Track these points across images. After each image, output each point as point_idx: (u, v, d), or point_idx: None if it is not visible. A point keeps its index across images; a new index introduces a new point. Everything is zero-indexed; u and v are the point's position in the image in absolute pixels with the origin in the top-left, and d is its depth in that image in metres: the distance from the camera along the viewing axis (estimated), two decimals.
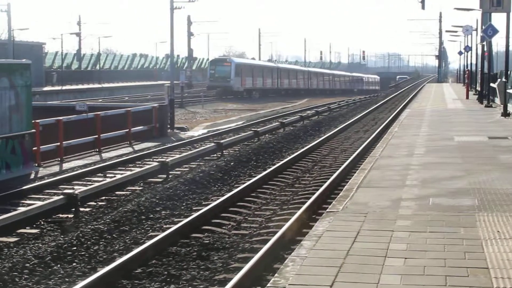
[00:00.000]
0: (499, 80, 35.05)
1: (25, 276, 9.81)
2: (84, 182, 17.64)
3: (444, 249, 8.00)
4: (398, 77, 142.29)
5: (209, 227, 12.51)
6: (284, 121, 34.72)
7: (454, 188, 11.80)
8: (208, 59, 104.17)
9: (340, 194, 11.59)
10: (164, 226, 12.81)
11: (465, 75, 60.28)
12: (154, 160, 21.39)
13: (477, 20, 53.15)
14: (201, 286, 9.42)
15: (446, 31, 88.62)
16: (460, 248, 8.03)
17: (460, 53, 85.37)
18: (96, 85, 79.43)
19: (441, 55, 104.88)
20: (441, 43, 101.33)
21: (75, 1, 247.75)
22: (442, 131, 22.00)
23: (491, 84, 37.69)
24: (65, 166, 20.63)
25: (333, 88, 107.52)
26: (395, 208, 10.28)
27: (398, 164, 14.86)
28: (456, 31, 78.26)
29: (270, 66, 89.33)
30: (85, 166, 20.54)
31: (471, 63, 67.24)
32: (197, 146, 25.46)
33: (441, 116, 28.86)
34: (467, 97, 44.74)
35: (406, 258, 7.66)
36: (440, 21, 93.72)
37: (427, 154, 16.40)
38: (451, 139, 19.53)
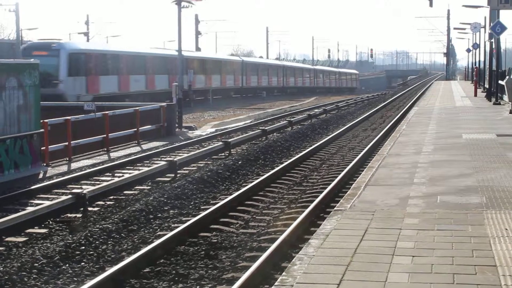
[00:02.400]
0: (507, 77, 34.89)
1: (34, 276, 9.85)
2: (93, 182, 17.68)
3: (452, 247, 7.99)
4: (409, 77, 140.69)
5: (217, 226, 12.52)
6: (292, 119, 34.73)
7: (462, 186, 11.77)
8: None
9: (348, 192, 11.58)
10: (172, 225, 12.83)
11: (473, 73, 60.17)
12: (162, 159, 21.40)
13: (485, 17, 53.00)
14: (209, 285, 9.43)
15: (454, 28, 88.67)
16: (468, 246, 8.02)
17: (468, 50, 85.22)
18: None
19: (449, 53, 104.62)
20: (449, 40, 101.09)
21: (83, 0, 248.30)
22: (450, 129, 21.96)
23: (500, 82, 37.57)
24: (74, 165, 20.68)
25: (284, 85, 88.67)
26: (403, 206, 10.26)
27: (406, 162, 14.83)
28: (464, 29, 78.23)
29: (205, 59, 63.69)
30: (93, 165, 20.58)
31: (479, 61, 67.02)
32: (205, 145, 25.48)
33: (449, 114, 28.79)
34: (475, 95, 44.63)
35: (413, 256, 7.65)
36: (448, 18, 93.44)
37: (435, 152, 16.37)
38: (459, 137, 19.49)
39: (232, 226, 12.68)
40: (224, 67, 69.93)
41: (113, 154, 23.36)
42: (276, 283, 6.99)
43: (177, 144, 25.51)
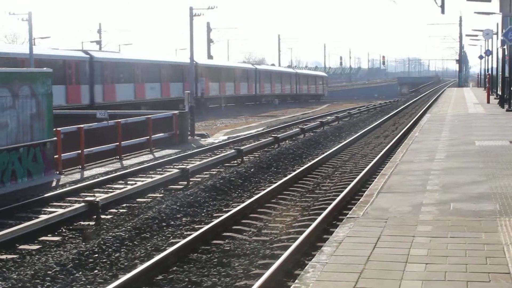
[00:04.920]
0: None
1: (47, 284, 9.87)
2: (105, 190, 17.72)
3: (465, 254, 7.96)
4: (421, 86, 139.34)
5: (230, 234, 12.52)
6: (304, 127, 34.72)
7: (476, 193, 11.74)
8: None
9: (361, 200, 11.56)
10: (185, 233, 12.84)
11: (486, 79, 59.97)
12: (175, 167, 21.45)
13: (497, 24, 52.87)
14: None
15: (466, 35, 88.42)
16: (481, 253, 7.99)
17: (480, 57, 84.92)
18: None
19: (462, 60, 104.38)
20: (461, 47, 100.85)
21: (95, 9, 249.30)
22: (463, 136, 21.89)
23: None
24: (86, 173, 20.74)
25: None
26: (416, 213, 10.24)
27: (419, 169, 14.80)
28: (476, 35, 77.99)
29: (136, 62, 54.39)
30: (106, 173, 20.63)
31: (491, 67, 66.82)
32: (218, 153, 25.51)
33: (462, 121, 28.72)
34: (488, 101, 44.47)
35: (427, 263, 7.63)
36: (460, 25, 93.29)
37: (448, 159, 16.33)
38: (472, 144, 19.43)
39: (244, 233, 12.67)
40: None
41: (126, 162, 23.40)
42: None
43: (189, 152, 25.55)
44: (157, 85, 55.61)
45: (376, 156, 22.10)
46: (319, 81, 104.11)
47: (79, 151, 22.15)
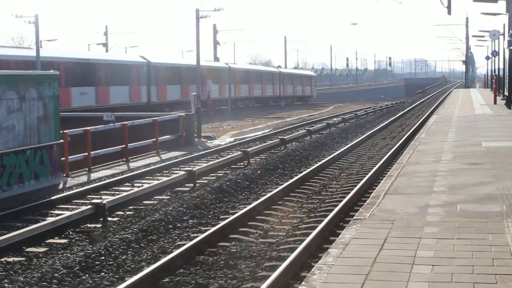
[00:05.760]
0: None
1: (54, 286, 9.88)
2: (112, 192, 17.74)
3: (472, 256, 7.95)
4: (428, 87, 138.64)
5: (236, 236, 12.53)
6: (310, 128, 34.71)
7: (482, 194, 11.71)
8: None
9: (367, 201, 11.55)
10: (192, 235, 12.85)
11: (493, 80, 59.87)
12: (181, 169, 21.46)
13: (504, 25, 52.79)
14: None
15: (473, 36, 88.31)
16: (488, 255, 7.97)
17: (487, 58, 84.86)
18: None
19: (468, 60, 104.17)
20: (468, 48, 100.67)
21: (102, 11, 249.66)
22: (470, 137, 21.86)
23: None
24: (93, 175, 20.77)
25: None
26: (423, 215, 10.23)
27: (426, 170, 14.78)
28: (483, 36, 77.99)
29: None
30: (112, 175, 20.66)
31: (498, 68, 66.73)
32: (224, 155, 25.52)
33: (469, 122, 28.67)
34: (495, 102, 44.40)
35: (433, 265, 7.62)
36: (467, 26, 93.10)
37: (455, 160, 16.31)
38: (479, 145, 19.40)
39: (251, 235, 12.67)
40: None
41: (133, 164, 23.43)
42: None
43: (196, 154, 25.56)
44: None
45: (382, 158, 22.09)
46: (306, 81, 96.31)
47: (86, 154, 22.18)
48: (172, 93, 57.26)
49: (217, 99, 64.26)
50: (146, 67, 53.40)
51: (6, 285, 9.96)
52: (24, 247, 12.08)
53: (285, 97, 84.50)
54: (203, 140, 33.50)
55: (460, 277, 7.17)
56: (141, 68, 53.02)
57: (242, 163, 22.73)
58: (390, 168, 16.43)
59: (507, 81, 44.48)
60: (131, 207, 15.60)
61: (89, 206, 14.23)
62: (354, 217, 10.29)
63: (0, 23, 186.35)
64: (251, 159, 23.29)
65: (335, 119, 45.53)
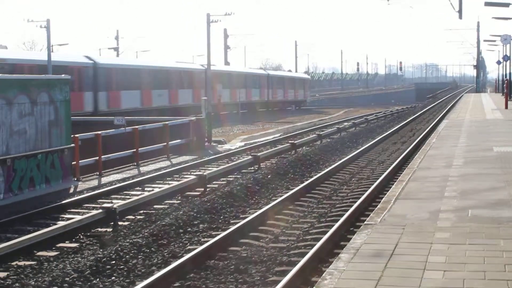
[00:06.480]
0: None
1: None
2: (123, 196, 17.77)
3: (483, 262, 7.91)
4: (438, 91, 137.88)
5: (247, 240, 12.51)
6: (321, 133, 34.68)
7: (494, 200, 11.67)
8: None
9: (378, 206, 11.52)
10: (202, 240, 12.84)
11: (504, 85, 59.67)
12: (192, 173, 21.47)
13: None
14: None
15: (484, 40, 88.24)
16: (500, 261, 7.94)
17: (498, 62, 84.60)
18: None
19: (479, 65, 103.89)
20: (479, 52, 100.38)
21: (113, 16, 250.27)
22: (481, 142, 21.78)
23: None
24: (104, 180, 20.80)
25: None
26: (434, 220, 10.19)
27: (437, 175, 14.73)
28: (494, 40, 77.79)
29: None
30: (123, 180, 20.69)
31: (509, 72, 66.54)
32: (234, 159, 25.52)
33: (480, 127, 28.57)
34: (506, 107, 44.21)
35: (445, 270, 7.59)
36: (478, 30, 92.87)
37: (466, 165, 16.25)
38: (490, 150, 19.32)
39: (261, 240, 12.66)
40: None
41: (143, 169, 23.46)
42: None
43: (206, 158, 25.57)
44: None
45: (393, 163, 22.03)
46: (298, 84, 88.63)
47: (97, 158, 22.22)
48: (128, 100, 50.18)
49: (191, 106, 55.73)
50: (92, 69, 46.26)
51: None
52: (35, 251, 12.10)
53: (275, 102, 79.32)
54: (214, 144, 33.50)
55: (472, 282, 7.14)
56: (85, 71, 45.61)
57: (252, 168, 22.73)
58: (401, 173, 16.38)
59: None
60: (141, 212, 15.61)
61: (100, 210, 14.26)
62: (365, 222, 10.27)
63: (12, 27, 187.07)
64: (261, 164, 23.28)
65: (345, 123, 45.49)
